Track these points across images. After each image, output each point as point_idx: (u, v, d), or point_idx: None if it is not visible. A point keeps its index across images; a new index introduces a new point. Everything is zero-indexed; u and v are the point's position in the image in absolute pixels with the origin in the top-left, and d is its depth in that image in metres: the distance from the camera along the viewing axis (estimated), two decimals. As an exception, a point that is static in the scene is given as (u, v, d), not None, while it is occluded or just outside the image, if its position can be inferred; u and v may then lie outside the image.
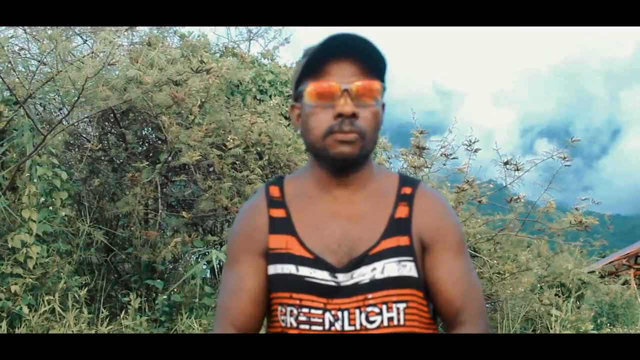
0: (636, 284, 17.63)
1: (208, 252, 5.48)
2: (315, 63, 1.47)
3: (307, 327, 1.47)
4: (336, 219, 1.51)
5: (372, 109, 1.47)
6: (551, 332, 6.93)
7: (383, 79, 1.51)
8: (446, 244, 1.52)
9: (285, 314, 1.50)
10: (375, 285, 1.45)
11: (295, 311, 1.48)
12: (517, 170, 6.60)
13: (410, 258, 1.48)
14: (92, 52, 4.44)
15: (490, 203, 6.86)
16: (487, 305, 7.87)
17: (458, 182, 6.78)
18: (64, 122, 4.86)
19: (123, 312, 4.90)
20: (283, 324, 1.51)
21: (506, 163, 6.60)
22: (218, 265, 5.42)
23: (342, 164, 1.49)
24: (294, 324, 1.48)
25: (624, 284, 14.52)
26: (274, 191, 1.60)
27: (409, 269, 1.47)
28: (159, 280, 5.42)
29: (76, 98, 4.40)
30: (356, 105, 1.45)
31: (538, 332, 7.43)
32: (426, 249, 1.52)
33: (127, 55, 5.70)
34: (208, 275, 6.08)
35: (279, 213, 1.55)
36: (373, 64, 1.48)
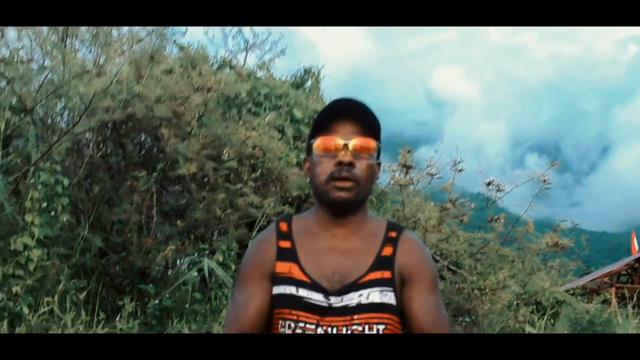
0: (617, 302, 17.87)
1: (200, 260, 5.70)
2: (322, 122, 1.83)
3: None
4: (332, 253, 1.82)
5: (367, 162, 1.80)
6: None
7: (379, 140, 1.85)
8: (422, 280, 1.83)
9: (284, 327, 1.79)
10: (361, 308, 1.75)
11: (292, 325, 1.77)
12: (499, 191, 6.87)
13: (391, 289, 1.79)
14: (99, 66, 4.66)
15: (472, 221, 7.12)
16: (467, 320, 8.13)
17: (442, 199, 7.04)
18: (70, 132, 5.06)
19: (118, 315, 5.10)
20: None
21: (488, 184, 6.86)
22: (209, 273, 5.63)
23: (341, 207, 1.81)
24: None
25: (604, 301, 14.74)
26: (283, 226, 1.91)
27: (389, 297, 1.78)
28: (151, 285, 5.64)
29: (83, 110, 4.61)
30: (354, 157, 1.78)
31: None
32: (405, 283, 1.82)
33: (131, 66, 5.90)
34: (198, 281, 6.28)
35: (286, 244, 1.86)
36: (370, 125, 1.82)
